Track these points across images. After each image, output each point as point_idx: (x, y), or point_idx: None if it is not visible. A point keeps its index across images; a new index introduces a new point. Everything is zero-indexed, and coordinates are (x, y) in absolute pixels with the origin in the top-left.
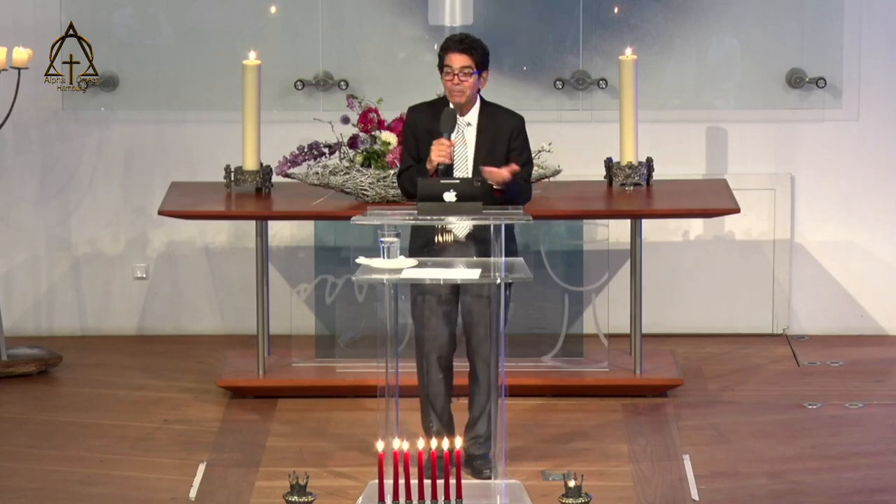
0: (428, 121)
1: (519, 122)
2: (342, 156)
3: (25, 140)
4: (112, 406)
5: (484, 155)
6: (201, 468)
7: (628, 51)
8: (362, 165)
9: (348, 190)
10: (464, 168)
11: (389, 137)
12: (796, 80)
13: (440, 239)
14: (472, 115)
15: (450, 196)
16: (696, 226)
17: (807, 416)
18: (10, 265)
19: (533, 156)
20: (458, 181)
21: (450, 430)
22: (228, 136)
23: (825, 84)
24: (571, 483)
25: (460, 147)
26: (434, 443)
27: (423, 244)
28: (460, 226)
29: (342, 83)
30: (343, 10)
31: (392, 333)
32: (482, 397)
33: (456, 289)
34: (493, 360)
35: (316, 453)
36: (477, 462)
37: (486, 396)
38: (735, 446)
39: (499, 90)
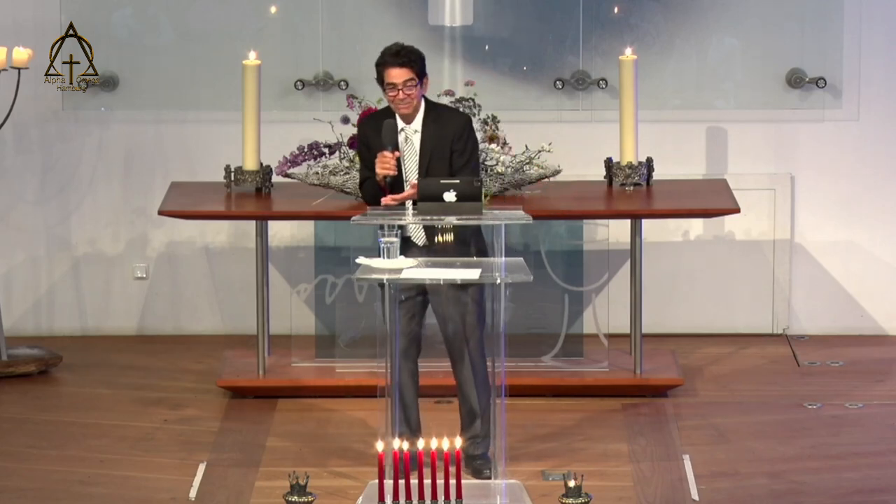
0: (376, 130)
1: (463, 121)
2: (342, 156)
3: (25, 140)
4: (112, 406)
5: (428, 159)
6: (201, 468)
7: (628, 51)
8: None
9: (348, 190)
10: (413, 176)
11: None
12: (796, 80)
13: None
14: (418, 122)
15: (450, 196)
16: (696, 226)
17: (807, 416)
18: (10, 265)
19: (533, 156)
20: (458, 181)
21: (418, 427)
22: (228, 136)
23: (825, 84)
24: (571, 483)
25: (410, 155)
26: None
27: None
28: (417, 235)
29: (342, 83)
30: (343, 10)
31: (392, 333)
32: (474, 396)
33: (423, 289)
34: (478, 361)
35: (316, 453)
36: (477, 462)
37: (479, 395)
38: (735, 446)
39: (499, 90)
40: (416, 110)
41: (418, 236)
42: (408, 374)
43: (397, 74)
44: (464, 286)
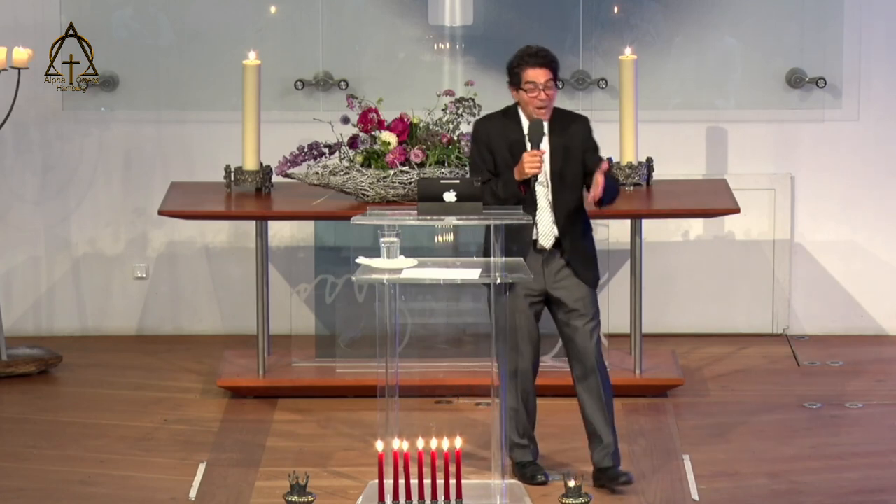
0: (500, 131)
1: (586, 122)
2: (342, 156)
3: (25, 140)
4: (112, 406)
5: (560, 160)
6: (201, 468)
7: (628, 51)
8: (362, 165)
9: (348, 190)
10: (544, 178)
11: (389, 137)
12: (796, 80)
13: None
14: (545, 124)
15: (450, 196)
16: (696, 226)
17: (807, 416)
18: (10, 265)
19: None
20: (457, 181)
21: (530, 440)
22: (228, 136)
23: (825, 84)
24: (571, 483)
25: (545, 153)
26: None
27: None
28: (546, 237)
29: (342, 83)
30: (343, 10)
31: (392, 333)
32: (597, 408)
33: (546, 296)
34: (596, 356)
35: (316, 453)
36: (610, 471)
37: (601, 406)
38: (735, 446)
39: (499, 90)
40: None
41: (547, 239)
42: (532, 385)
43: (539, 74)
44: (582, 296)
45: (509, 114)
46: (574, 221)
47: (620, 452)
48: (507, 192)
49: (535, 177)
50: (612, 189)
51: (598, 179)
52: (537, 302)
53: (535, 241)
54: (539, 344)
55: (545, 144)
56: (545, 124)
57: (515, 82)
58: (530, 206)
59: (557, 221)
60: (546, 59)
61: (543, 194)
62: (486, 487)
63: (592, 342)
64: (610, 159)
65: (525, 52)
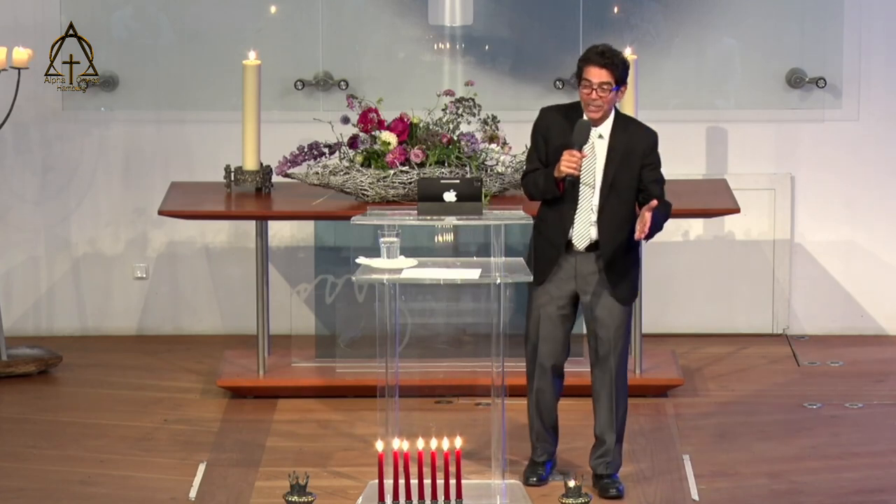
0: (560, 124)
1: (654, 137)
2: (342, 156)
3: (25, 140)
4: (112, 406)
5: (615, 169)
6: (201, 468)
7: (628, 51)
8: (362, 165)
9: (348, 190)
10: (591, 180)
11: (389, 137)
12: (796, 80)
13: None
14: (605, 128)
15: (450, 196)
16: (696, 226)
17: (807, 416)
18: (10, 265)
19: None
20: (457, 181)
21: (554, 440)
22: (228, 136)
23: (825, 84)
24: (571, 483)
25: (589, 159)
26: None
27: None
28: (581, 239)
29: (342, 83)
30: (343, 10)
31: (392, 333)
32: (607, 413)
33: (575, 298)
34: (616, 370)
35: (316, 453)
36: (603, 481)
37: (611, 412)
38: (735, 446)
39: (499, 90)
40: (605, 115)
41: (581, 240)
42: (555, 389)
43: (596, 74)
44: (616, 303)
45: (573, 108)
46: (619, 231)
47: (621, 460)
48: (546, 186)
49: (577, 177)
50: (660, 221)
51: (646, 217)
52: (566, 305)
53: (570, 241)
54: (566, 349)
55: (601, 149)
56: (598, 131)
57: (578, 77)
58: (570, 205)
59: (599, 226)
60: (607, 61)
61: (588, 197)
62: (486, 487)
63: (616, 355)
64: (662, 183)
65: (592, 49)
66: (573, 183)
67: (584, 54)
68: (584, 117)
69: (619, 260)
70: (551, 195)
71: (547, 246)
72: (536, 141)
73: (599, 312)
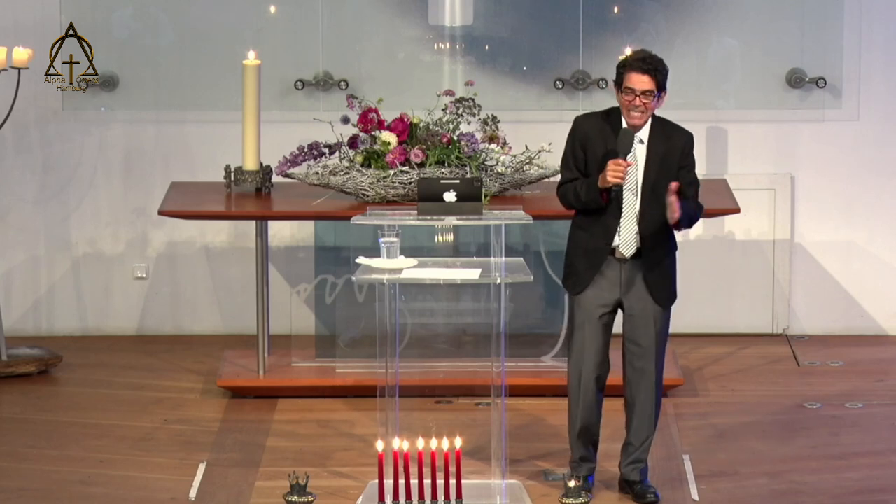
0: (600, 132)
1: (689, 138)
2: (342, 156)
3: (25, 140)
4: (112, 406)
5: (655, 173)
6: (201, 468)
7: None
8: (362, 165)
9: (348, 190)
10: (634, 186)
11: (389, 137)
12: (796, 80)
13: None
14: (644, 132)
15: (450, 196)
16: (696, 225)
17: (807, 416)
18: (10, 265)
19: (533, 156)
20: (457, 181)
21: (595, 455)
22: (228, 136)
23: (825, 84)
24: (571, 483)
25: (631, 166)
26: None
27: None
28: (626, 246)
29: (342, 83)
30: (343, 10)
31: (392, 333)
32: (644, 420)
33: (617, 306)
34: (655, 376)
35: (316, 453)
36: (637, 487)
37: (649, 419)
38: (735, 446)
39: (499, 90)
40: (646, 121)
41: (628, 247)
42: (599, 409)
43: (639, 81)
44: (659, 308)
45: (611, 115)
46: (660, 236)
47: (648, 464)
48: (589, 197)
49: (620, 186)
50: (691, 210)
51: (672, 202)
52: (608, 312)
53: (615, 249)
54: (606, 355)
55: (640, 154)
56: (637, 136)
57: (618, 83)
58: (614, 212)
59: (641, 231)
60: (650, 67)
61: (632, 203)
62: (486, 487)
63: (656, 360)
64: (697, 186)
65: (634, 55)
66: (618, 192)
67: (625, 60)
68: (624, 124)
69: (661, 265)
70: (595, 205)
71: (589, 254)
72: (574, 150)
73: (642, 318)
